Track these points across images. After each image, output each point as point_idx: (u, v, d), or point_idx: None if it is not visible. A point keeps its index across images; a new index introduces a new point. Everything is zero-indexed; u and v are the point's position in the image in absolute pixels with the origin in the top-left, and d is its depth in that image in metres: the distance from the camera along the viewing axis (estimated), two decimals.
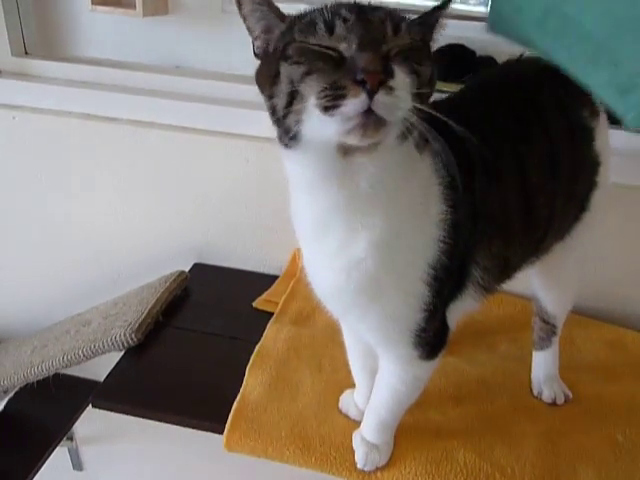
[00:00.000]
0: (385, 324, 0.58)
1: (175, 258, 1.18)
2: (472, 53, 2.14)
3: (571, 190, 0.67)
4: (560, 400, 0.84)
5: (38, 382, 1.00)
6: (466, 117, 0.46)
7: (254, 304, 1.02)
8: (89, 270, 1.27)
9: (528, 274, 0.80)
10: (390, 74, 0.42)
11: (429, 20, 0.50)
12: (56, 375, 0.98)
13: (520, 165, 0.59)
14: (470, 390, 0.85)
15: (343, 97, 0.41)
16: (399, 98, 0.42)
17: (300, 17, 0.48)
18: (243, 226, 1.15)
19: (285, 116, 0.46)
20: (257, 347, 0.89)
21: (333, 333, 0.79)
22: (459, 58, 2.13)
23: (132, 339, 0.88)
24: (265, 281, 1.09)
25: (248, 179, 1.10)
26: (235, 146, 1.07)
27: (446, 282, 0.57)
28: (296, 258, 1.11)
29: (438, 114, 0.44)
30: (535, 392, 0.86)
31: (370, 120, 0.42)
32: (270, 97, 0.48)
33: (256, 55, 0.52)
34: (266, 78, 0.48)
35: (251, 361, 0.86)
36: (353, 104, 0.41)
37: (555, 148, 0.63)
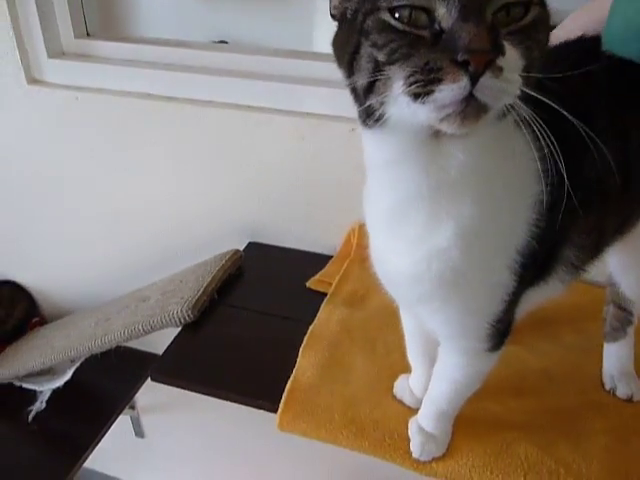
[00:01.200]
0: (463, 317, 0.54)
1: (230, 237, 1.19)
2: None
3: None
4: (637, 397, 0.78)
5: (102, 353, 1.05)
6: (566, 87, 0.41)
7: (307, 284, 1.02)
8: (149, 248, 1.31)
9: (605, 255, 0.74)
10: (500, 50, 0.35)
11: None
12: (118, 347, 1.02)
13: (623, 130, 0.54)
14: (532, 381, 0.81)
15: (439, 82, 0.34)
16: (508, 81, 0.35)
17: None
18: (297, 205, 1.14)
19: (367, 97, 0.40)
20: (310, 328, 0.88)
21: (387, 316, 0.77)
22: None
23: (188, 316, 0.90)
24: (319, 261, 1.08)
25: (303, 157, 1.08)
26: (290, 123, 1.05)
27: (531, 269, 0.52)
28: (350, 238, 1.08)
29: (549, 101, 0.37)
30: (607, 387, 0.80)
31: (470, 107, 0.35)
32: (349, 72, 0.42)
33: (333, 17, 0.44)
34: (343, 50, 0.42)
35: (304, 342, 0.85)
36: (451, 90, 0.34)
37: None
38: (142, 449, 1.71)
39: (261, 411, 0.77)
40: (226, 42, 2.33)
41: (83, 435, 1.18)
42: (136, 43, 1.14)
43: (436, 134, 0.42)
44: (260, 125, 1.08)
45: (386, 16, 0.37)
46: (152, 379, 0.82)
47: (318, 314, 0.92)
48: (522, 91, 0.37)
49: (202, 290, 0.95)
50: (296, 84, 1.02)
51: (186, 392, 0.82)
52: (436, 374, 0.66)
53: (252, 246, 1.17)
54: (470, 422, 0.73)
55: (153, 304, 1.00)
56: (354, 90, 0.43)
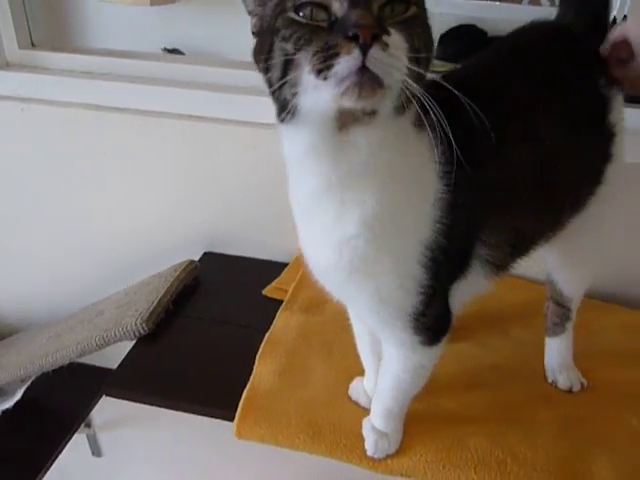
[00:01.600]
0: (380, 306, 0.57)
1: (186, 247, 1.18)
2: (484, 33, 2.10)
3: (587, 161, 0.65)
4: (576, 388, 0.83)
5: (54, 371, 1.02)
6: (476, 86, 0.45)
7: (264, 292, 1.02)
8: (103, 260, 1.28)
9: (542, 254, 0.79)
10: (384, 29, 0.41)
11: None
12: (71, 364, 1.00)
13: (534, 131, 0.57)
14: (483, 376, 0.84)
15: (336, 56, 0.40)
16: (394, 57, 0.41)
17: None
18: (252, 214, 1.14)
19: (281, 87, 0.45)
20: (267, 335, 0.89)
21: (342, 320, 0.78)
22: (471, 39, 2.09)
23: (143, 328, 0.89)
24: (275, 269, 1.09)
25: (257, 166, 1.09)
26: (243, 133, 1.07)
27: (445, 264, 0.55)
28: None
29: (436, 78, 0.43)
30: (550, 380, 0.84)
31: (365, 78, 0.40)
32: (266, 71, 0.47)
33: (253, 34, 0.50)
34: (261, 54, 0.47)
35: (261, 349, 0.86)
36: (346, 61, 0.39)
37: (571, 114, 0.61)
38: (100, 468, 1.66)
39: (223, 423, 0.76)
40: (179, 50, 2.32)
41: (37, 456, 1.14)
42: (81, 54, 1.13)
43: (343, 124, 0.46)
44: (211, 135, 1.08)
45: (292, 14, 0.43)
46: (106, 394, 0.80)
47: (274, 321, 0.93)
48: (416, 74, 0.42)
49: (157, 302, 0.94)
50: (247, 95, 1.03)
51: (144, 407, 0.81)
52: (381, 371, 0.68)
53: (208, 256, 1.16)
54: (423, 418, 0.75)
55: (107, 318, 0.99)
56: (271, 86, 0.47)
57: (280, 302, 0.99)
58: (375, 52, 0.39)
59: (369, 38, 0.39)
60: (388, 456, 0.71)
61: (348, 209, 0.51)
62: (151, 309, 0.92)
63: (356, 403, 0.78)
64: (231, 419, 0.75)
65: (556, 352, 0.85)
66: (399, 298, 0.56)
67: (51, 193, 1.22)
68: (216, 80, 1.08)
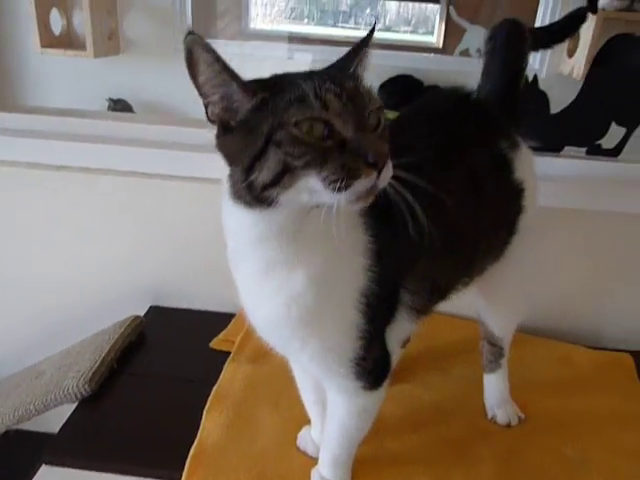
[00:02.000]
0: (324, 354, 0.60)
1: (132, 301, 1.17)
2: (420, 83, 2.24)
3: (496, 214, 0.70)
4: (514, 422, 0.87)
5: None
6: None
7: (211, 344, 1.02)
8: (46, 318, 1.24)
9: (472, 298, 0.84)
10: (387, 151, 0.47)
11: (361, 59, 0.54)
12: (7, 431, 0.95)
13: (441, 191, 0.62)
14: (426, 416, 0.87)
15: (357, 177, 0.45)
16: (389, 168, 0.48)
17: (273, 90, 0.48)
18: (198, 266, 1.15)
19: (265, 189, 0.48)
20: (214, 389, 0.88)
21: (289, 370, 0.80)
22: (407, 88, 2.23)
23: (85, 390, 0.87)
24: (223, 320, 1.09)
25: (201, 220, 1.10)
26: (187, 189, 1.09)
27: (378, 308, 0.59)
28: None
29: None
30: (489, 415, 0.88)
31: (372, 190, 0.47)
32: (248, 170, 0.48)
33: (210, 120, 0.52)
34: (242, 152, 0.48)
35: (208, 404, 0.85)
36: (367, 182, 0.46)
37: (474, 175, 0.67)
38: None
39: None
40: (125, 100, 2.34)
41: None
42: (20, 112, 1.13)
43: (309, 210, 0.50)
44: (154, 191, 1.10)
45: (294, 130, 0.46)
46: (45, 463, 0.77)
47: (222, 373, 0.93)
48: None
49: (100, 361, 0.92)
50: (192, 152, 1.06)
51: (88, 476, 0.78)
52: (327, 419, 0.70)
53: (154, 310, 1.15)
54: (370, 462, 0.77)
55: (48, 380, 0.95)
56: (250, 184, 0.49)
57: (228, 354, 0.99)
58: (385, 172, 0.47)
59: (384, 164, 0.46)
60: None
61: (296, 271, 0.55)
62: (94, 369, 0.90)
63: (304, 453, 0.79)
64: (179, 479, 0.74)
65: (494, 388, 0.89)
66: (341, 344, 0.60)
67: None
68: (161, 138, 1.11)
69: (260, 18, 2.81)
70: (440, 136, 0.66)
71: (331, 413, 0.68)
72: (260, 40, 2.75)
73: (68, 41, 2.44)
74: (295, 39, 2.72)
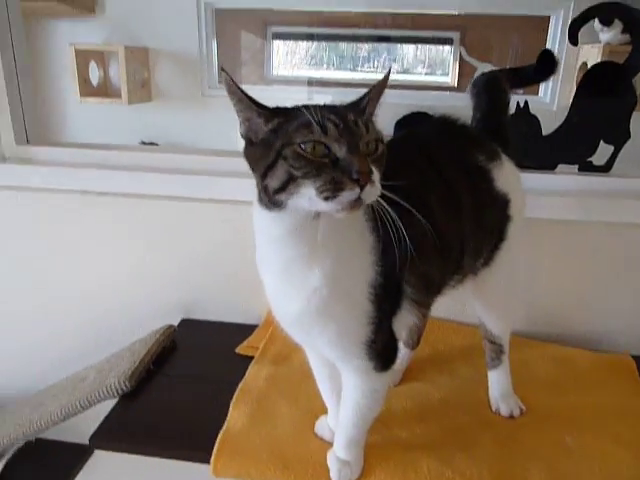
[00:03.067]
0: (340, 338, 0.70)
1: (164, 316, 1.28)
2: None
3: (479, 221, 0.80)
4: (516, 413, 0.93)
5: (31, 449, 1.05)
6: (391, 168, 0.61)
7: (237, 350, 1.12)
8: (85, 333, 1.36)
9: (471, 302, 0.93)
10: (372, 171, 0.57)
11: (373, 98, 0.64)
12: (44, 442, 1.03)
13: (427, 204, 0.71)
14: (433, 410, 0.94)
15: (342, 190, 0.55)
16: (376, 188, 0.57)
17: (287, 117, 0.60)
18: (224, 282, 1.27)
19: (276, 193, 0.59)
20: (240, 385, 0.98)
21: (308, 370, 0.88)
22: (421, 123, 2.35)
23: (126, 386, 0.97)
24: (247, 331, 1.19)
25: (228, 242, 1.23)
26: (213, 209, 1.21)
27: (385, 298, 0.69)
28: None
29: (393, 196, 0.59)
30: (493, 408, 0.95)
31: (356, 202, 0.56)
32: (263, 176, 0.60)
33: (241, 135, 0.64)
34: (259, 162, 0.60)
35: (235, 397, 0.95)
36: (349, 195, 0.55)
37: (452, 188, 0.77)
38: None
39: (202, 467, 0.83)
40: (156, 143, 2.54)
41: None
42: (70, 147, 1.29)
43: (317, 215, 0.61)
44: (185, 213, 1.23)
45: (299, 149, 0.57)
46: (93, 445, 0.87)
47: (247, 373, 1.02)
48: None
49: (138, 362, 1.02)
50: (215, 176, 1.19)
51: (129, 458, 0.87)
52: (342, 402, 0.78)
53: (185, 322, 1.26)
54: (381, 448, 0.84)
55: (91, 382, 1.06)
56: (265, 188, 0.61)
57: (252, 358, 1.08)
58: (368, 188, 0.56)
59: (366, 181, 0.56)
60: None
61: (313, 269, 0.65)
62: (133, 369, 1.00)
63: (321, 438, 0.87)
64: (208, 461, 0.82)
65: (497, 383, 0.96)
66: (355, 329, 0.70)
67: (40, 271, 1.33)
68: (197, 166, 1.24)
69: (282, 66, 3.01)
70: (423, 155, 0.77)
71: (345, 396, 0.77)
72: (282, 84, 2.96)
73: (105, 90, 2.68)
74: (314, 83, 2.92)
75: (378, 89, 0.65)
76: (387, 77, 0.65)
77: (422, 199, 0.68)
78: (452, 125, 0.87)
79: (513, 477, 0.80)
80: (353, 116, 0.60)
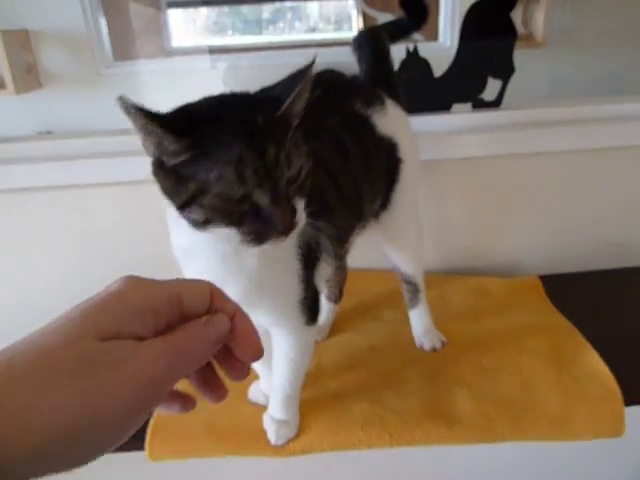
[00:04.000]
0: (280, 303, 0.71)
1: None
2: (340, 74, 2.37)
3: (368, 166, 0.81)
4: (438, 346, 0.98)
5: None
6: None
7: None
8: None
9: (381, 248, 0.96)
10: (296, 215, 0.55)
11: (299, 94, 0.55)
12: None
13: (319, 157, 0.71)
14: (361, 356, 0.97)
15: (267, 240, 0.54)
16: (300, 224, 0.56)
17: (202, 147, 0.50)
18: (145, 266, 1.22)
19: (196, 226, 0.55)
20: None
21: None
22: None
23: None
24: None
25: (138, 222, 1.18)
26: (119, 193, 1.16)
27: (308, 254, 0.70)
28: None
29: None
30: (417, 345, 0.99)
31: (281, 239, 0.55)
32: (179, 208, 0.54)
33: (148, 154, 0.54)
34: (173, 194, 0.54)
35: None
36: (275, 242, 0.55)
37: (337, 137, 0.77)
38: None
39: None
40: (53, 132, 2.36)
41: None
42: None
43: None
44: (88, 199, 1.16)
45: (215, 201, 0.52)
46: None
47: None
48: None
49: None
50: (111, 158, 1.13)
51: None
52: (275, 362, 0.79)
53: None
54: (314, 401, 0.86)
55: None
56: (184, 216, 0.55)
57: None
58: (293, 234, 0.55)
59: (292, 230, 0.54)
60: (289, 440, 0.81)
61: (247, 258, 0.63)
62: None
63: (255, 404, 0.87)
64: (143, 447, 0.81)
65: (418, 320, 1.01)
66: (291, 291, 0.71)
67: None
68: (79, 150, 1.17)
69: (183, 35, 2.86)
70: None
71: (278, 356, 0.78)
72: (183, 55, 2.82)
73: None
74: (218, 50, 2.80)
75: (300, 78, 0.55)
76: (311, 65, 0.55)
77: (315, 154, 0.68)
78: (323, 78, 0.86)
79: (439, 404, 0.85)
80: (274, 150, 0.52)
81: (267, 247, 0.57)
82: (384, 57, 0.97)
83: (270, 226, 0.53)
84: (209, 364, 0.41)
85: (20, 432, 0.28)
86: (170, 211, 0.59)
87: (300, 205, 0.56)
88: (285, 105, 0.54)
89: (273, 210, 0.53)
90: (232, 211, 0.53)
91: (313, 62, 0.55)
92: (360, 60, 0.98)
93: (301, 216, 0.56)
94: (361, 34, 1.00)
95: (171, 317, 0.37)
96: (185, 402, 0.41)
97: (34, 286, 1.24)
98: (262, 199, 0.53)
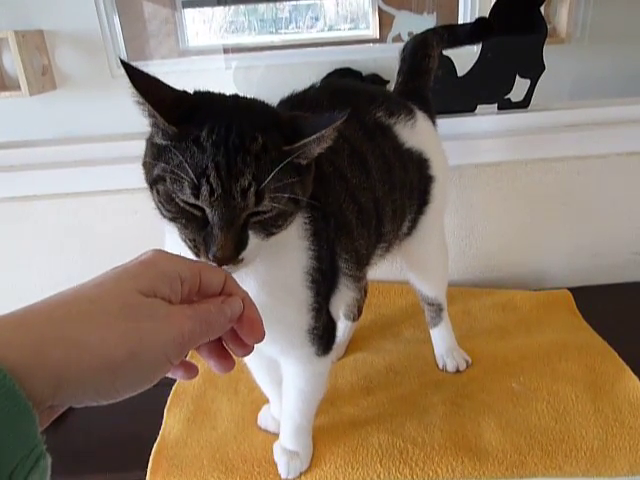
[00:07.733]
0: (283, 333, 0.64)
1: None
2: (359, 74, 2.31)
3: (390, 182, 0.73)
4: (462, 367, 0.91)
5: None
6: None
7: None
8: None
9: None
10: (240, 251, 0.49)
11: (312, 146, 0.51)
12: None
13: (339, 173, 0.66)
14: (380, 379, 0.91)
15: (198, 256, 0.50)
16: (245, 262, 0.50)
17: (179, 140, 0.48)
18: None
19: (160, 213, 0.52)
20: (173, 388, 0.91)
21: (245, 358, 0.82)
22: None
23: None
24: None
25: (143, 229, 1.12)
26: (120, 200, 1.11)
27: (322, 280, 0.63)
28: None
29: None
30: (440, 366, 0.93)
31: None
32: (149, 185, 0.52)
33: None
34: (149, 166, 0.51)
35: (168, 402, 0.87)
36: (208, 262, 0.49)
37: (357, 151, 0.70)
38: None
39: None
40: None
41: None
42: None
43: None
44: (89, 207, 1.12)
45: (171, 192, 0.48)
46: None
47: None
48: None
49: None
50: (116, 164, 1.08)
51: None
52: (285, 391, 0.73)
53: None
54: (329, 429, 0.80)
55: None
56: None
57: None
58: (228, 268, 0.49)
59: (223, 264, 0.49)
60: (301, 473, 0.74)
61: (247, 279, 0.56)
62: None
63: (266, 431, 0.81)
64: (144, 477, 0.76)
65: (440, 339, 0.94)
66: (297, 321, 0.64)
67: None
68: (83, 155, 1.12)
69: (200, 35, 2.83)
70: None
71: (288, 385, 0.72)
72: (199, 55, 2.77)
73: (1, 83, 2.43)
74: (232, 50, 2.75)
75: (326, 132, 0.49)
76: (343, 119, 0.49)
77: (335, 169, 0.62)
78: (342, 84, 0.81)
79: (465, 434, 0.78)
80: (246, 181, 0.47)
81: (266, 273, 0.55)
82: (424, 71, 0.89)
83: (207, 245, 0.49)
84: (219, 338, 0.44)
85: (73, 360, 0.32)
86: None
87: (254, 242, 0.50)
88: (297, 145, 0.50)
89: (215, 235, 0.48)
90: (181, 208, 0.49)
91: (347, 114, 0.49)
92: (399, 71, 0.90)
93: (251, 254, 0.50)
94: (410, 42, 0.91)
95: (192, 290, 0.41)
96: (188, 369, 0.44)
97: (38, 293, 1.19)
98: (212, 217, 0.48)
